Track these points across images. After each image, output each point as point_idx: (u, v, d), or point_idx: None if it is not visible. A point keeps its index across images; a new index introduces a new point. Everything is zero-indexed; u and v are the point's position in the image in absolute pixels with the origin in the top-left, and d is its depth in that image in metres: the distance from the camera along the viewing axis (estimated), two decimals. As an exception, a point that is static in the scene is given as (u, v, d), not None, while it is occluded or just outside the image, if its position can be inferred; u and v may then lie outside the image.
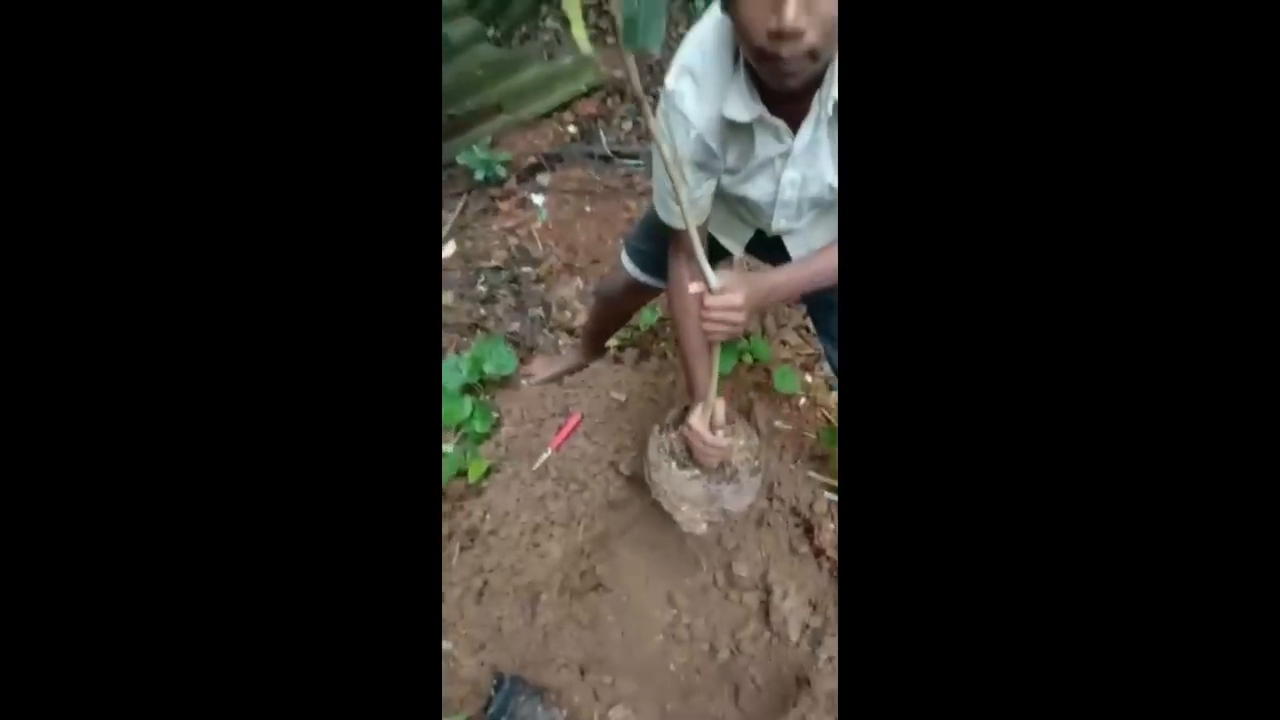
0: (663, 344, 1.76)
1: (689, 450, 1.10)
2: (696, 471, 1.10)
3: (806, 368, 1.67)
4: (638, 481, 1.48)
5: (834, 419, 1.54)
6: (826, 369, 1.64)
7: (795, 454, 1.45)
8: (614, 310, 1.59)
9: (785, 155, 0.90)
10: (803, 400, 1.57)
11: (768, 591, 1.30)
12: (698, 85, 0.85)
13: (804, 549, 1.35)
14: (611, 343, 1.79)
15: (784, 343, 1.75)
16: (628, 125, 2.49)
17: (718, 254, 1.19)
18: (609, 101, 2.55)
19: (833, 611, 1.26)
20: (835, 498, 1.38)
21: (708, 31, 0.84)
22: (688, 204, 0.80)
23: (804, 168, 0.91)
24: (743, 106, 0.83)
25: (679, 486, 1.09)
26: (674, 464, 1.11)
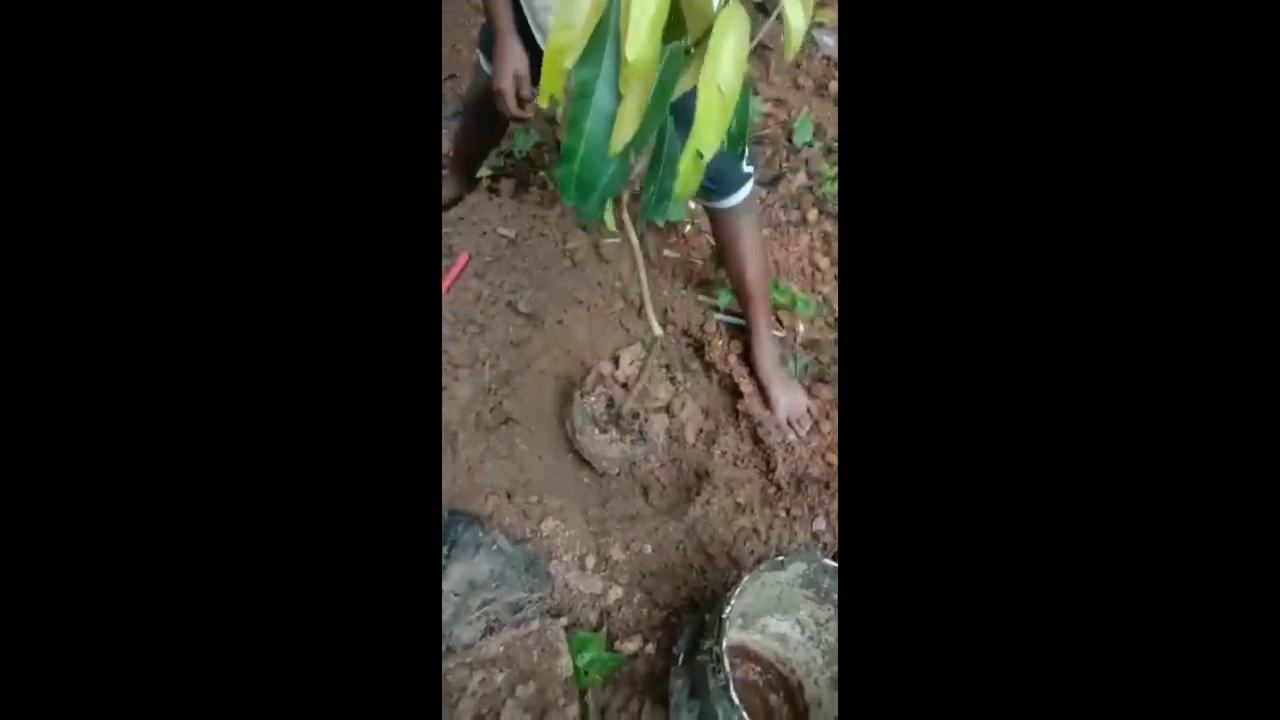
0: (541, 173, 1.69)
1: (606, 414, 1.33)
2: (616, 435, 1.34)
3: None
4: (538, 318, 1.50)
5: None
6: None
7: (685, 280, 1.54)
8: (484, 128, 1.46)
9: None
10: (688, 227, 1.63)
11: (666, 405, 1.44)
12: None
13: (695, 365, 1.49)
14: (483, 172, 1.68)
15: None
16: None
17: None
18: None
19: (724, 416, 1.44)
20: (721, 317, 1.51)
21: None
22: None
23: None
24: None
25: (602, 449, 1.34)
26: (596, 430, 1.34)
